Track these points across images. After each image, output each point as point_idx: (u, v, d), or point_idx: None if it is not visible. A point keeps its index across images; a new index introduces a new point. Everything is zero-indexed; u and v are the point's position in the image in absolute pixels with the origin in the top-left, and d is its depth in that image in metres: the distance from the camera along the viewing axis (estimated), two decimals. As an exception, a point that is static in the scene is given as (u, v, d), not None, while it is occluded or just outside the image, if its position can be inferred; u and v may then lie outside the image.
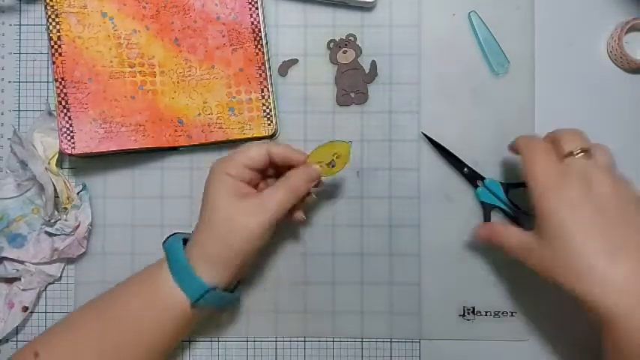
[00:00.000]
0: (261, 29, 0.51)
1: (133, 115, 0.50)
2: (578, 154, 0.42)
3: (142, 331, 0.44)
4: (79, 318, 0.46)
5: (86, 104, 0.49)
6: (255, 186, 0.47)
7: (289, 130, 0.53)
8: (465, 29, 0.53)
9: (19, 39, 0.53)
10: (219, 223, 0.44)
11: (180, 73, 0.51)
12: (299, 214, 0.48)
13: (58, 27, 0.49)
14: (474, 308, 0.52)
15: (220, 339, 0.52)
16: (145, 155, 0.52)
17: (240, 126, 0.51)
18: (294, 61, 0.52)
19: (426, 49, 0.53)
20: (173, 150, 0.51)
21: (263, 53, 0.51)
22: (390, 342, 0.52)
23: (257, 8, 0.51)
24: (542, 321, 0.52)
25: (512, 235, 0.44)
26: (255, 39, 0.51)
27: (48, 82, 0.53)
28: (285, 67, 0.52)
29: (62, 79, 0.49)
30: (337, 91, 0.52)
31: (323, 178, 0.48)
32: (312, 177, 0.46)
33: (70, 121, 0.49)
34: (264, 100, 0.51)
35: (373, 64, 0.52)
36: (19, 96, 0.53)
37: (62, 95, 0.49)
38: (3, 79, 0.53)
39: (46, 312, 0.52)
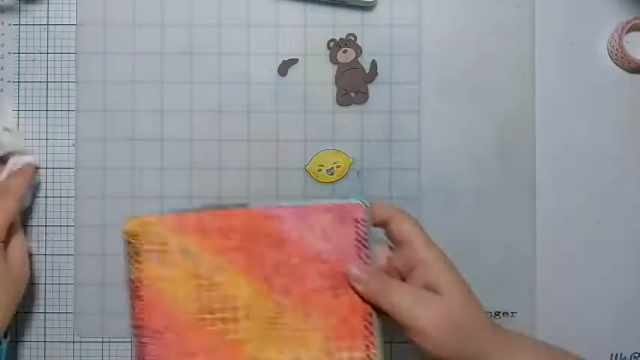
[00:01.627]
0: None
1: None
2: None
3: None
4: None
5: (162, 359, 0.42)
6: None
7: (289, 130, 0.52)
8: (465, 29, 0.53)
9: (19, 38, 0.53)
10: None
11: (269, 318, 0.41)
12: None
13: (138, 267, 0.42)
14: (474, 309, 0.52)
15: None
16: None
17: None
18: (294, 61, 0.52)
19: (426, 49, 0.53)
20: None
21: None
22: (391, 343, 0.52)
23: (366, 247, 0.41)
24: (542, 321, 0.52)
25: (404, 291, 0.41)
26: None
27: (47, 82, 0.53)
28: (285, 67, 0.52)
29: (140, 326, 0.42)
30: (337, 90, 0.52)
31: (319, 184, 0.47)
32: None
33: None
34: None
35: (373, 63, 0.52)
36: (19, 96, 0.53)
37: (138, 345, 0.42)
38: (2, 79, 0.53)
39: (45, 312, 0.52)
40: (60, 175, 0.53)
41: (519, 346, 0.39)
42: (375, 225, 0.42)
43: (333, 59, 0.52)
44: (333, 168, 0.52)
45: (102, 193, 0.52)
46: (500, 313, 0.51)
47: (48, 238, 0.52)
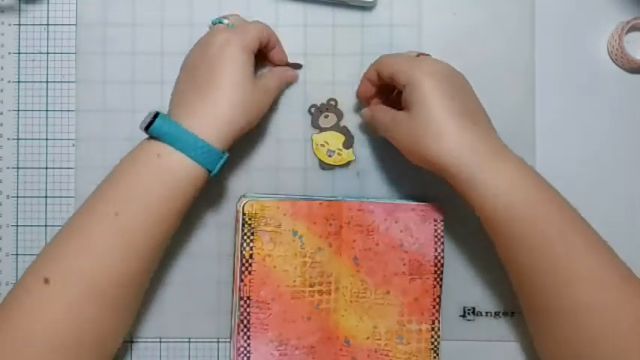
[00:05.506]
0: (443, 264, 0.50)
1: (306, 337, 0.49)
2: (420, 54, 0.48)
3: (162, 219, 0.43)
4: (84, 230, 0.42)
5: (266, 325, 0.48)
6: None
7: (289, 129, 0.52)
8: (465, 29, 0.53)
9: (19, 38, 0.53)
10: (238, 94, 0.44)
11: (354, 292, 0.50)
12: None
13: (251, 245, 0.48)
14: (474, 309, 0.52)
15: (220, 340, 0.52)
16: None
17: (407, 356, 0.49)
18: (298, 66, 0.52)
19: (426, 49, 0.53)
20: None
21: (440, 286, 0.50)
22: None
23: (442, 243, 0.50)
24: (542, 321, 0.52)
25: (385, 111, 0.47)
26: (435, 272, 0.50)
27: (47, 82, 0.53)
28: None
29: (248, 298, 0.48)
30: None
31: (323, 163, 0.52)
32: (293, 79, 0.52)
33: (248, 341, 0.48)
34: (433, 332, 0.50)
35: (346, 131, 0.52)
36: (19, 96, 0.53)
37: (245, 314, 0.48)
38: (2, 79, 0.53)
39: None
40: (60, 175, 0.53)
41: (503, 162, 0.43)
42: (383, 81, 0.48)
43: (315, 124, 0.52)
44: (335, 152, 0.52)
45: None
46: (500, 313, 0.52)
47: (48, 238, 0.52)
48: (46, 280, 0.40)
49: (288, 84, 0.52)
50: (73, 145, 0.53)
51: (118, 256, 0.42)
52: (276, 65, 0.51)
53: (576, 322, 0.41)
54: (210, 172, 0.44)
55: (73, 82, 0.53)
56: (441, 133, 0.42)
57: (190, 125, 0.43)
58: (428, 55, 0.48)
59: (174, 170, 0.43)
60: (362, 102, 0.51)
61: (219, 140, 0.43)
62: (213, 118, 0.43)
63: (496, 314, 0.52)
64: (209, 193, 0.52)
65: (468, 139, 0.42)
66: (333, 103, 0.52)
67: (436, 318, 0.50)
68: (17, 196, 0.53)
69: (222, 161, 0.44)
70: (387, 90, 0.50)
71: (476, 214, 0.44)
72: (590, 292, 0.41)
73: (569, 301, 0.41)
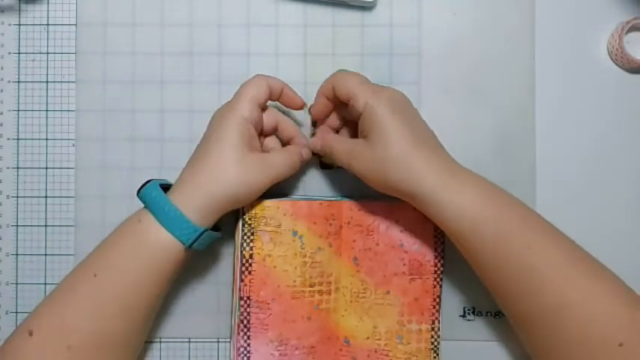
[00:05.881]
0: (443, 264, 0.50)
1: (306, 337, 0.49)
2: None
3: (137, 285, 0.44)
4: (68, 288, 0.44)
5: (266, 325, 0.48)
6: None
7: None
8: (465, 29, 0.53)
9: (19, 38, 0.53)
10: (224, 170, 0.44)
11: (354, 292, 0.50)
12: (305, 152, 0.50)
13: (251, 245, 0.48)
14: (474, 309, 0.52)
15: (220, 340, 0.52)
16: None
17: (407, 356, 0.49)
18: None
19: (426, 49, 0.53)
20: None
21: (440, 286, 0.50)
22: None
23: (442, 243, 0.50)
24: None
25: (342, 142, 0.47)
26: (435, 272, 0.50)
27: (47, 82, 0.53)
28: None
29: (248, 298, 0.48)
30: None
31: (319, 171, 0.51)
32: (306, 157, 0.50)
33: (248, 341, 0.48)
34: (433, 333, 0.50)
35: None
36: (19, 96, 0.53)
37: (245, 314, 0.48)
38: (2, 79, 0.53)
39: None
40: (60, 175, 0.53)
41: (462, 180, 0.44)
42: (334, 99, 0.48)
43: (315, 124, 0.52)
44: None
45: (102, 193, 0.52)
46: (500, 313, 0.52)
47: (48, 238, 0.52)
48: (30, 333, 0.42)
49: (303, 161, 0.49)
50: (73, 145, 0.53)
51: (95, 317, 0.43)
52: (291, 108, 0.50)
53: (559, 324, 0.41)
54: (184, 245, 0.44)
55: (73, 82, 0.53)
56: (403, 161, 0.43)
57: (176, 197, 0.44)
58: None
59: (149, 238, 0.43)
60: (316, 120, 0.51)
61: (198, 214, 0.44)
62: (195, 194, 0.44)
63: (496, 314, 0.52)
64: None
65: (429, 164, 0.43)
66: None
67: (436, 318, 0.50)
68: (17, 196, 0.53)
69: (196, 235, 0.44)
70: (340, 104, 0.49)
71: (444, 230, 0.45)
72: (565, 296, 0.41)
73: (551, 306, 0.41)
